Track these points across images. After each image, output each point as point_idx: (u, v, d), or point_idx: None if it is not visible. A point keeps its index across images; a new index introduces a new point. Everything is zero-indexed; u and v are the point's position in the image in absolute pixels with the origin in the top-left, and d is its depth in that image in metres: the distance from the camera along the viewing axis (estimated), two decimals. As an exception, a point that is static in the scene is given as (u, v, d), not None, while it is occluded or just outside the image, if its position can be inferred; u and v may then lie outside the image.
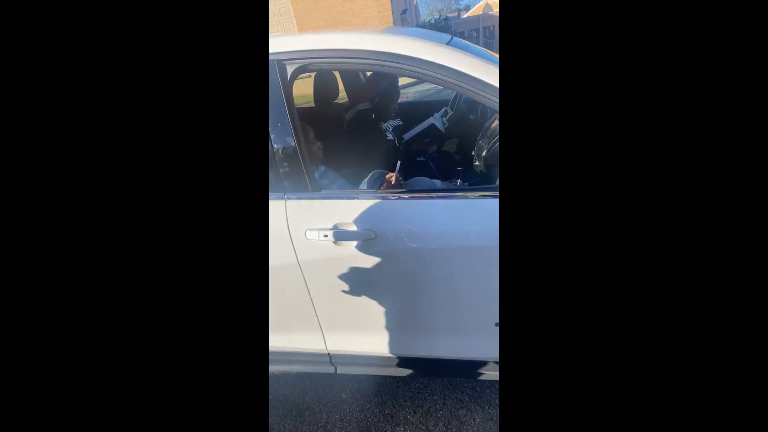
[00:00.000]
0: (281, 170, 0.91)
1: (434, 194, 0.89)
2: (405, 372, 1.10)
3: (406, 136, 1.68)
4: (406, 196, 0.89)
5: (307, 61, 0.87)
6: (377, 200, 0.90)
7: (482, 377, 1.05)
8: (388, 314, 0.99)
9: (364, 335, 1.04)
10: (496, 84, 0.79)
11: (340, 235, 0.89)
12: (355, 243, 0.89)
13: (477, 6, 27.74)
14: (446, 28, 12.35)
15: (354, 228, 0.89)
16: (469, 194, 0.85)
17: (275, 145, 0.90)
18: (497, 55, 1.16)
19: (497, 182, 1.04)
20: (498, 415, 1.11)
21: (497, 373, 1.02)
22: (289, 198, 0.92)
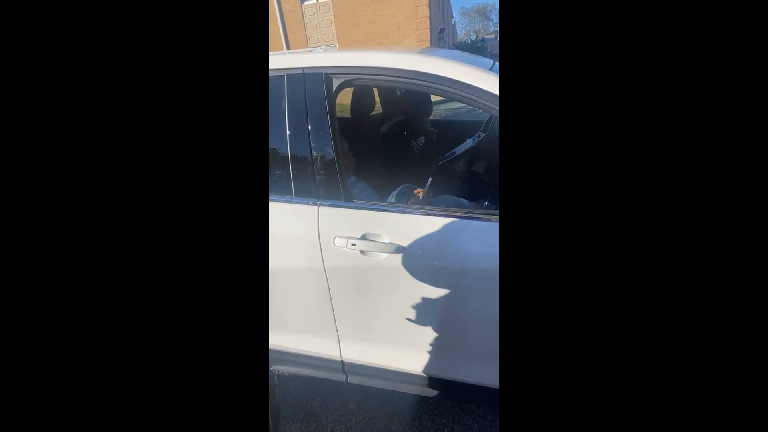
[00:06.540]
0: (317, 177, 0.95)
1: (461, 214, 0.89)
2: (415, 390, 1.08)
3: (441, 159, 1.70)
4: (435, 212, 0.90)
5: (353, 77, 0.91)
6: (406, 214, 0.91)
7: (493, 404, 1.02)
8: (404, 329, 0.99)
9: (378, 347, 1.04)
10: None
11: (367, 245, 0.91)
12: (381, 254, 0.91)
13: (515, 30, 27.69)
14: (482, 49, 12.44)
15: (382, 240, 0.90)
16: (493, 217, 0.85)
17: (314, 153, 0.94)
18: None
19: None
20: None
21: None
22: (321, 204, 0.95)
